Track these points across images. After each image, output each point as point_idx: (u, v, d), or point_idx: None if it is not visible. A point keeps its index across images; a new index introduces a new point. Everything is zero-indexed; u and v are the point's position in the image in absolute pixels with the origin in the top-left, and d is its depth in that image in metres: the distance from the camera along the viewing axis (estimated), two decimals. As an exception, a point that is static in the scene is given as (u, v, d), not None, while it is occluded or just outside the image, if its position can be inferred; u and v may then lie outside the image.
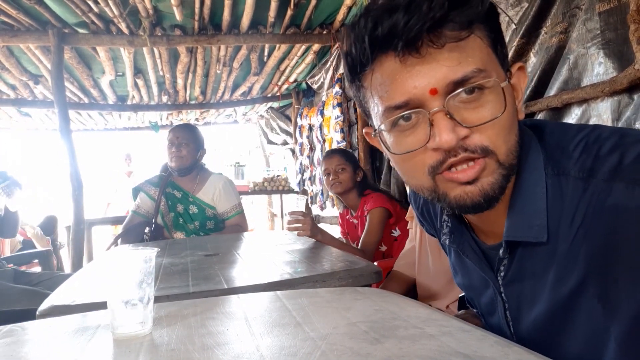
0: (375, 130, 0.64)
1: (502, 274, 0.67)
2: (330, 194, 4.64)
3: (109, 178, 6.18)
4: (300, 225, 1.81)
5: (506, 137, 0.58)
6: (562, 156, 0.59)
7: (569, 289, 0.58)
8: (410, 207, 1.84)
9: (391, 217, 2.19)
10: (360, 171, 2.37)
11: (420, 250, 1.65)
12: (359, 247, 2.15)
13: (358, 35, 0.59)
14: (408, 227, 1.88)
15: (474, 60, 0.56)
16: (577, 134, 0.60)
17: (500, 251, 0.65)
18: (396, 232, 2.24)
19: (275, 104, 6.33)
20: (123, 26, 3.46)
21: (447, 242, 0.75)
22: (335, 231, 5.25)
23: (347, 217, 2.48)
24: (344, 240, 2.56)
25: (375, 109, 0.61)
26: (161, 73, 4.63)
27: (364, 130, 0.68)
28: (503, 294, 0.68)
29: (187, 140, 2.41)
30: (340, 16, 3.61)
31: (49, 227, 4.24)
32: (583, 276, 0.57)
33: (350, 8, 3.51)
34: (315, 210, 5.42)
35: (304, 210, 1.93)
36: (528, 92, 1.85)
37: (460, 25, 0.56)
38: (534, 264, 0.62)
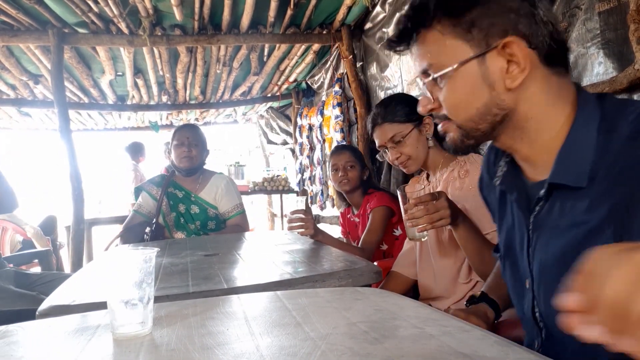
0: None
1: (535, 212, 0.76)
2: (330, 193, 4.64)
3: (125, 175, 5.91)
4: (303, 224, 1.78)
5: (461, 110, 0.76)
6: (618, 117, 0.68)
7: (587, 229, 0.66)
8: None
9: (394, 216, 2.18)
10: (367, 170, 2.36)
11: (422, 250, 1.64)
12: (359, 245, 2.14)
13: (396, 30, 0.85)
14: None
15: (430, 55, 0.76)
16: (635, 102, 0.71)
17: (541, 191, 0.74)
18: (398, 232, 2.24)
19: (275, 104, 6.33)
20: (123, 26, 3.46)
21: (497, 182, 0.87)
22: (335, 231, 5.25)
23: (349, 216, 2.48)
24: (345, 240, 2.56)
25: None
26: (161, 73, 4.63)
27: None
28: (531, 231, 0.77)
29: (197, 141, 2.44)
30: (340, 16, 3.61)
31: (49, 227, 4.25)
32: (604, 219, 0.64)
33: (350, 8, 3.51)
34: (315, 210, 5.42)
35: (304, 209, 1.89)
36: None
37: (415, 29, 0.77)
38: (565, 207, 0.71)
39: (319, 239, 1.84)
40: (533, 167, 0.79)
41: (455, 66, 0.74)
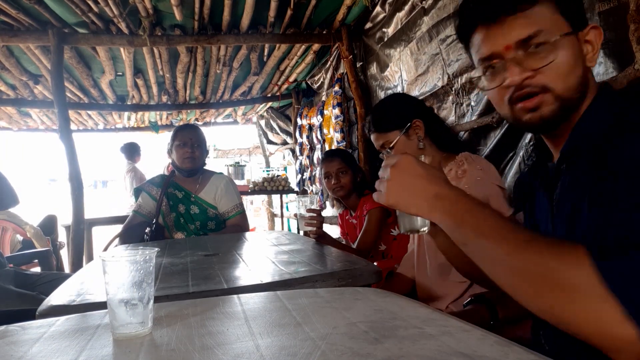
0: (476, 74, 0.89)
1: (557, 189, 0.83)
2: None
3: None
4: (316, 222, 1.81)
5: (565, 77, 0.79)
6: (632, 109, 0.76)
7: (579, 197, 0.74)
8: None
9: (390, 217, 2.19)
10: (360, 172, 2.37)
11: (419, 251, 1.65)
12: (354, 246, 2.14)
13: (461, 15, 0.89)
14: None
15: (536, 24, 0.78)
16: None
17: (556, 159, 0.83)
18: (395, 232, 2.24)
19: (275, 104, 6.33)
20: (123, 26, 3.46)
21: (525, 170, 0.94)
22: (335, 231, 5.25)
23: (347, 217, 2.48)
24: (344, 241, 2.56)
25: (475, 59, 0.87)
26: (161, 73, 4.63)
27: (473, 79, 0.92)
28: (554, 206, 0.83)
29: (199, 141, 2.45)
30: (340, 16, 3.61)
31: (49, 227, 4.24)
32: (591, 179, 0.71)
33: (350, 8, 3.51)
34: (315, 210, 5.42)
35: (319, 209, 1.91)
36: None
37: (527, 0, 0.79)
38: (573, 180, 0.78)
39: (323, 241, 1.85)
40: (556, 148, 0.86)
41: (566, 32, 0.78)
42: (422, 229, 0.88)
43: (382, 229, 2.20)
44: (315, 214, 1.81)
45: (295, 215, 5.52)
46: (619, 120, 0.75)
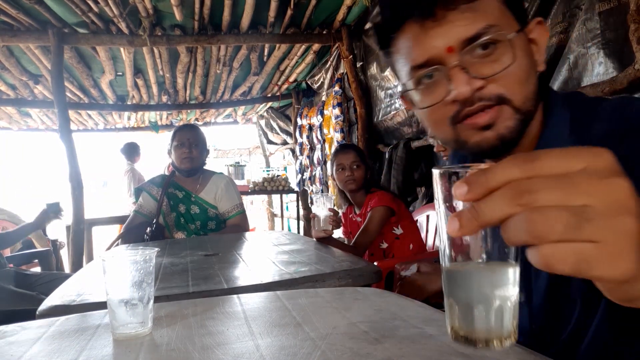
0: (404, 90, 0.70)
1: None
2: (330, 193, 4.64)
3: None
4: (336, 223, 1.85)
5: (521, 85, 0.63)
6: (591, 117, 0.64)
7: None
8: None
9: (393, 216, 2.18)
10: (369, 169, 2.36)
11: None
12: (352, 243, 2.14)
13: (383, 7, 0.69)
14: None
15: (485, 18, 0.62)
16: (604, 101, 0.66)
17: None
18: (398, 231, 2.24)
19: (275, 104, 6.33)
20: (123, 26, 3.46)
21: None
22: (334, 231, 5.25)
23: (351, 215, 2.47)
24: (345, 241, 2.56)
25: (402, 70, 0.69)
26: (161, 73, 4.63)
27: (400, 96, 0.75)
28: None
29: (197, 141, 2.45)
30: (340, 16, 3.61)
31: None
32: None
33: (350, 8, 3.51)
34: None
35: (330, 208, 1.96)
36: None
37: None
38: None
39: (325, 241, 1.87)
40: None
41: (518, 29, 0.63)
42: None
43: (385, 227, 2.20)
44: (334, 214, 1.85)
45: (308, 214, 5.54)
46: (583, 131, 0.63)
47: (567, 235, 0.30)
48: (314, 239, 1.86)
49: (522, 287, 0.73)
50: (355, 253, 1.94)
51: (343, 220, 2.58)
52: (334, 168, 2.35)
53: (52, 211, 2.45)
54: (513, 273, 0.38)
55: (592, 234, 0.30)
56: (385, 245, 2.26)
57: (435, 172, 0.39)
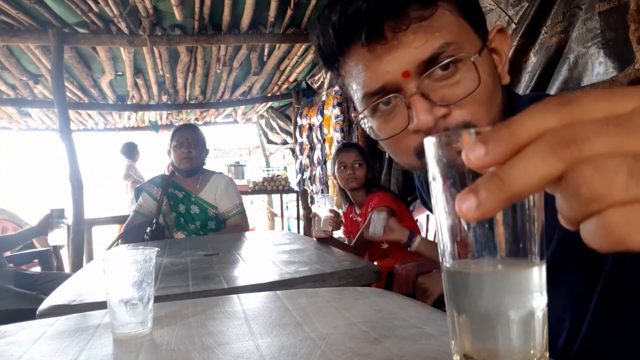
0: (360, 115, 0.64)
1: None
2: (330, 193, 4.64)
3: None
4: (336, 224, 1.91)
5: (487, 108, 0.57)
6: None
7: (551, 252, 0.56)
8: None
9: (395, 215, 2.18)
10: (372, 169, 2.37)
11: None
12: (352, 244, 2.14)
13: (324, 28, 0.60)
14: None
15: (442, 35, 0.55)
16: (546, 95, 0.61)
17: None
18: None
19: (275, 104, 6.33)
20: (123, 26, 3.46)
21: None
22: (334, 231, 5.25)
23: (351, 215, 2.48)
24: (346, 240, 2.56)
25: (355, 95, 0.62)
26: (161, 73, 4.63)
27: (352, 114, 0.68)
28: None
29: (196, 141, 2.45)
30: (340, 16, 3.61)
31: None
32: (564, 239, 0.54)
33: (350, 8, 3.51)
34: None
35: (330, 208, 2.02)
36: (528, 91, 1.85)
37: (422, 4, 0.55)
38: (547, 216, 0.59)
39: (325, 240, 1.89)
40: None
41: (480, 47, 0.57)
42: None
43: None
44: (335, 215, 1.90)
45: (308, 214, 5.55)
46: None
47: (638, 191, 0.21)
48: (314, 239, 1.86)
49: None
50: (355, 253, 1.94)
51: (344, 220, 2.58)
52: (336, 166, 2.36)
53: (56, 217, 2.45)
54: (539, 272, 0.28)
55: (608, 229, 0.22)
56: (385, 245, 2.26)
57: (430, 141, 0.28)
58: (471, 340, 0.28)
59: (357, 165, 2.29)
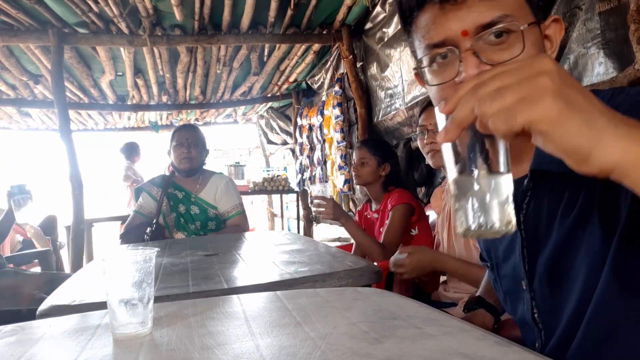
0: (418, 66, 0.74)
1: (523, 212, 0.74)
2: (330, 193, 4.63)
3: None
4: (324, 208, 2.03)
5: None
6: None
7: (575, 217, 0.65)
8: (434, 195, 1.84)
9: (413, 215, 2.16)
10: (387, 165, 2.31)
11: (449, 241, 1.65)
12: (381, 241, 2.12)
13: None
14: (431, 222, 1.87)
15: (503, 7, 0.65)
16: (601, 91, 0.70)
17: (525, 181, 0.72)
18: (414, 232, 2.22)
19: (275, 104, 6.33)
20: (123, 26, 3.46)
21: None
22: (335, 231, 5.25)
23: (365, 213, 2.44)
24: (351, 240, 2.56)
25: (419, 47, 0.73)
26: (161, 73, 4.63)
27: (413, 72, 0.79)
28: (523, 231, 0.74)
29: (196, 141, 2.44)
30: (340, 16, 3.61)
31: (49, 227, 4.24)
32: (589, 205, 0.63)
33: (350, 8, 3.51)
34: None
35: (327, 196, 2.16)
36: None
37: None
38: (551, 200, 0.70)
39: (342, 222, 2.01)
40: (513, 164, 0.76)
41: (531, 22, 0.66)
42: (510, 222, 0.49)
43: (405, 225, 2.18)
44: (322, 201, 2.03)
45: (308, 215, 5.56)
46: None
47: (503, 102, 0.43)
48: (313, 239, 1.86)
49: (524, 276, 0.75)
50: (383, 252, 2.01)
51: (358, 217, 2.53)
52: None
53: (18, 193, 2.30)
54: (504, 178, 0.48)
55: (518, 94, 0.43)
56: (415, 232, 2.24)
57: (437, 108, 0.50)
58: (469, 218, 0.48)
59: (361, 164, 2.29)
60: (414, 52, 0.77)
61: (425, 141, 1.65)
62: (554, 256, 0.69)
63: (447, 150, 0.50)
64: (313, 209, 2.10)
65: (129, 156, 5.73)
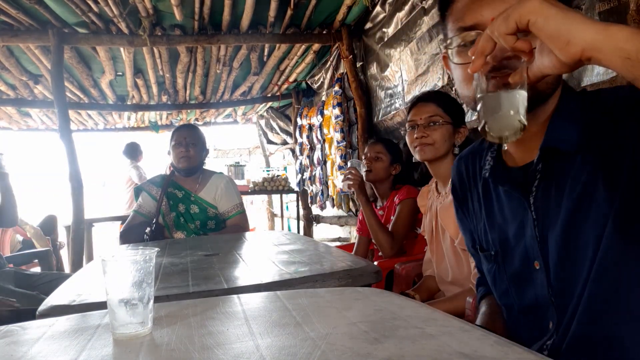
0: (447, 45, 0.84)
1: (533, 194, 0.80)
2: (330, 193, 4.64)
3: None
4: (352, 178, 2.13)
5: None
6: (599, 99, 0.79)
7: (579, 192, 0.73)
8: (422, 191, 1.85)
9: (419, 213, 2.16)
10: (398, 165, 2.35)
11: (437, 250, 1.65)
12: (390, 229, 2.14)
13: None
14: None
15: None
16: (607, 89, 0.84)
17: (535, 158, 0.79)
18: (420, 230, 2.22)
19: (275, 104, 6.33)
20: (123, 26, 3.46)
21: (486, 174, 0.90)
22: (335, 231, 5.25)
23: None
24: (356, 236, 2.57)
25: (452, 29, 0.83)
26: (161, 73, 4.63)
27: (442, 57, 0.90)
28: (533, 212, 0.80)
29: (195, 141, 2.44)
30: (340, 16, 3.61)
31: (49, 227, 4.25)
32: (597, 182, 0.71)
33: (350, 8, 3.51)
34: (315, 210, 5.42)
35: (361, 172, 2.26)
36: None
37: None
38: (559, 179, 0.77)
39: (361, 198, 2.11)
40: (522, 150, 0.84)
41: None
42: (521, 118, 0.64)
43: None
44: (354, 172, 2.15)
45: (308, 214, 5.58)
46: (590, 108, 0.76)
47: (503, 15, 0.60)
48: (313, 239, 1.86)
49: (538, 255, 0.80)
50: (391, 240, 2.07)
51: (361, 216, 2.53)
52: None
53: None
54: (519, 94, 0.63)
55: (514, 14, 0.58)
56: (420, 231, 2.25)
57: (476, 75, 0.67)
58: (492, 120, 0.64)
59: (375, 158, 2.31)
60: (445, 36, 0.87)
61: (415, 135, 1.64)
62: (564, 231, 0.75)
63: (476, 78, 0.66)
64: (342, 176, 2.19)
65: (134, 157, 5.72)
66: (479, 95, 0.66)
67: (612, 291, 0.72)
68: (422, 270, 1.80)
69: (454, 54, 0.81)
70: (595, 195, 0.72)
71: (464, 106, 1.60)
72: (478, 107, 0.66)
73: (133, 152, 5.74)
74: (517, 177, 0.83)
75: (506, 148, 0.84)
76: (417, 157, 1.69)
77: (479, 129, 0.66)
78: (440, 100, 1.65)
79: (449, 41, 0.83)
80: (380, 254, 2.44)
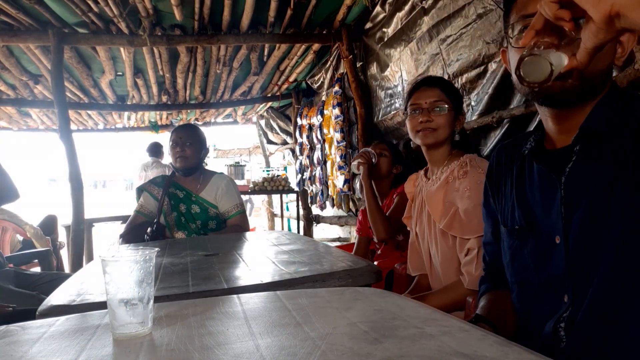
0: (509, 31, 0.91)
1: (566, 173, 0.85)
2: (330, 193, 4.64)
3: None
4: (364, 156, 2.22)
5: (597, 61, 0.77)
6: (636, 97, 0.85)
7: (612, 175, 0.78)
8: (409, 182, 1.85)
9: None
10: (400, 166, 2.38)
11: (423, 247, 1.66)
12: (388, 213, 2.17)
13: None
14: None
15: None
16: None
17: (572, 138, 0.85)
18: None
19: (275, 104, 6.33)
20: (123, 26, 3.46)
21: (525, 152, 0.96)
22: (335, 231, 5.26)
23: None
24: (357, 237, 2.58)
25: (515, 18, 0.89)
26: (161, 73, 4.63)
27: (501, 50, 0.98)
28: (563, 190, 0.85)
29: (191, 140, 2.43)
30: (340, 16, 3.61)
31: (49, 227, 4.24)
32: (626, 162, 0.76)
33: (350, 8, 3.51)
34: (315, 210, 5.42)
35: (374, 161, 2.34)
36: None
37: None
38: (593, 162, 0.82)
39: (366, 181, 2.19)
40: (563, 136, 0.89)
41: None
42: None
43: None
44: (367, 155, 2.24)
45: (308, 214, 5.60)
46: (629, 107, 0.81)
47: None
48: (313, 239, 1.86)
49: (560, 231, 0.84)
50: (387, 225, 2.11)
51: (361, 216, 2.55)
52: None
53: None
54: (556, 53, 0.72)
55: None
56: (400, 238, 2.25)
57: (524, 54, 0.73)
58: (525, 65, 0.72)
59: (380, 154, 2.35)
60: (506, 27, 0.94)
61: (420, 119, 1.56)
62: (589, 210, 0.80)
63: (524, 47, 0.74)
64: (354, 159, 2.29)
65: (157, 155, 6.08)
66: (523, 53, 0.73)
67: (630, 269, 0.76)
68: (408, 257, 1.79)
69: (514, 40, 0.88)
70: (625, 180, 0.76)
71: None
72: (520, 65, 0.73)
73: (156, 150, 6.08)
74: (554, 158, 0.89)
75: (537, 90, 0.87)
76: (418, 141, 1.62)
77: (515, 77, 0.75)
78: (444, 85, 1.63)
79: (510, 28, 0.90)
80: (379, 252, 2.44)
